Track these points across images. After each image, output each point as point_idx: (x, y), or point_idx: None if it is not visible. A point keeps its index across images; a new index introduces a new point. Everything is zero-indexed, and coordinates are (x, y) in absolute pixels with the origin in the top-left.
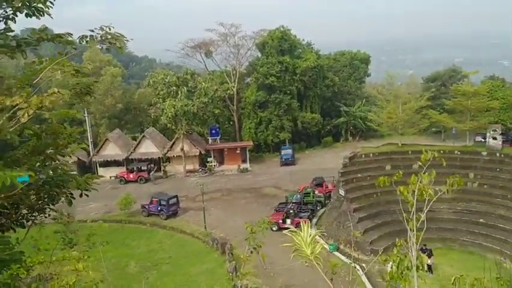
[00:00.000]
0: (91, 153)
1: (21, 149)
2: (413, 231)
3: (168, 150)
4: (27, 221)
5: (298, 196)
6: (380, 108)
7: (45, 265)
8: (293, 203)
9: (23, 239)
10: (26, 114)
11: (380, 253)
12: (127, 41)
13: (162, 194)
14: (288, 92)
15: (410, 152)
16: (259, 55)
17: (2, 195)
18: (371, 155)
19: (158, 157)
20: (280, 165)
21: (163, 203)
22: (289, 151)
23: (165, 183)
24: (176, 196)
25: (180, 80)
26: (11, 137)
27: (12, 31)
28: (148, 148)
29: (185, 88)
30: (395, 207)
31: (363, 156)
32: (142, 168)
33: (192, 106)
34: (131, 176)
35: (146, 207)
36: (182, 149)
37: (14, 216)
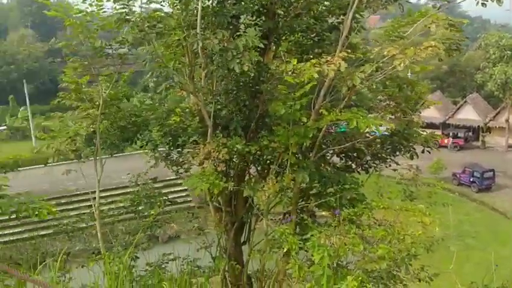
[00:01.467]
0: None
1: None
2: None
3: (490, 120)
4: (369, 168)
5: None
6: None
7: (389, 211)
8: None
9: (364, 182)
10: (402, 64)
11: None
12: None
13: (477, 165)
14: None
15: None
16: None
17: (359, 139)
18: None
19: (478, 126)
20: None
21: (477, 175)
22: None
23: (481, 155)
24: (492, 170)
25: None
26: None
27: None
28: (468, 115)
29: None
30: None
31: None
32: (459, 135)
33: None
34: (445, 141)
35: (458, 176)
36: (507, 120)
37: (359, 160)
